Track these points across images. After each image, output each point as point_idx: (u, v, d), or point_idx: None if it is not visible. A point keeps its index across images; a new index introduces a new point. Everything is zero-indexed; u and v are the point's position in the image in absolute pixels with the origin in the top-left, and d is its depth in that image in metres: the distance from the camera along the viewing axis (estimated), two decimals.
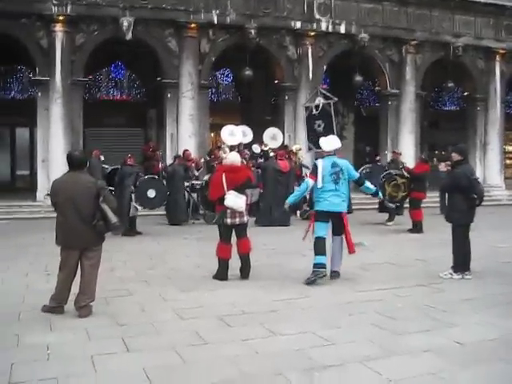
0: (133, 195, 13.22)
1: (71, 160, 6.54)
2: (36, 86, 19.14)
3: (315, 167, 8.55)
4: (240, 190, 8.45)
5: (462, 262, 8.59)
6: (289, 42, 20.95)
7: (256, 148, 18.85)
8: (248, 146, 19.26)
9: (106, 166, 15.05)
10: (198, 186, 16.03)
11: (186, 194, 15.75)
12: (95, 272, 6.71)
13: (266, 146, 19.08)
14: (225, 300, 7.25)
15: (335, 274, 8.59)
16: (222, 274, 8.53)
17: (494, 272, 9.02)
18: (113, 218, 6.35)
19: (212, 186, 8.78)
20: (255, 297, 7.45)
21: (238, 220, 8.43)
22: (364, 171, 15.44)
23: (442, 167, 11.14)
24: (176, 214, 15.41)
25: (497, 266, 9.57)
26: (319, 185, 8.36)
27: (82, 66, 18.91)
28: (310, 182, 8.57)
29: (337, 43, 21.72)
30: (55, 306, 6.60)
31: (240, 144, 18.76)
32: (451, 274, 8.55)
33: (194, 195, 15.95)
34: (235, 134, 18.39)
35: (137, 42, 19.33)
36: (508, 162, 28.19)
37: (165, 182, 14.61)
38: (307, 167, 18.14)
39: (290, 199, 9.09)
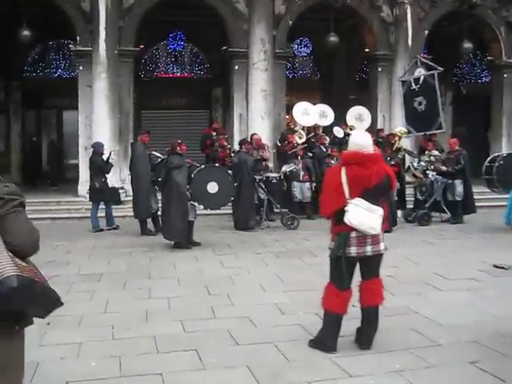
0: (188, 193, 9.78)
1: None
2: (77, 58, 15.93)
3: None
4: (373, 197, 4.80)
5: None
6: (383, 1, 16.99)
7: (338, 131, 15.12)
8: (328, 129, 15.60)
9: (158, 155, 11.66)
10: (274, 180, 12.46)
11: (260, 189, 12.16)
12: None
13: (351, 128, 15.32)
14: None
15: None
16: (329, 340, 4.91)
17: None
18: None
19: (324, 192, 5.07)
20: None
21: (369, 249, 4.81)
22: (497, 163, 11.50)
23: None
24: (244, 215, 11.85)
25: None
26: None
27: (132, 33, 15.62)
28: None
29: (441, 3, 17.60)
30: None
31: (318, 127, 15.18)
32: None
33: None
34: (309, 112, 15.19)
35: (197, 4, 15.90)
36: None
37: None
38: (414, 155, 14.43)
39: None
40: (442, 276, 7.78)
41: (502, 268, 8.31)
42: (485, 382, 4.41)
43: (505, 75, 18.50)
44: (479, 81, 23.30)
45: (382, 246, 4.85)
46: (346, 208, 4.65)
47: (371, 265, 4.91)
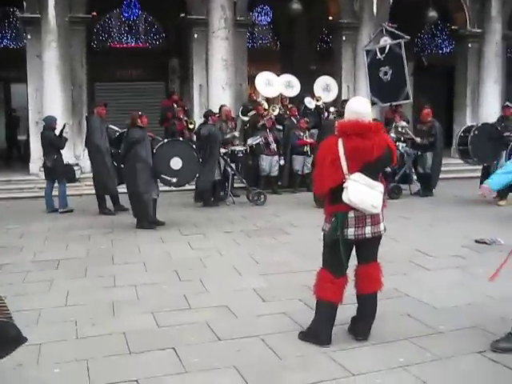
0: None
1: None
2: (25, 26, 14.84)
3: None
4: (374, 171, 4.27)
5: None
6: None
7: (310, 102, 14.61)
8: (295, 100, 15.08)
9: (115, 128, 10.90)
10: (240, 154, 11.84)
11: (223, 162, 11.52)
12: None
13: (318, 99, 14.85)
14: None
15: None
16: (322, 332, 4.39)
17: None
18: None
19: (318, 167, 4.40)
20: None
21: (369, 230, 4.27)
22: (472, 133, 11.12)
23: None
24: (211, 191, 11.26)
25: None
26: None
27: None
28: None
29: None
30: None
31: (284, 98, 14.66)
32: None
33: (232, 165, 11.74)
34: (273, 83, 14.72)
35: None
36: None
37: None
38: None
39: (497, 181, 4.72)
40: (425, 253, 7.38)
41: (485, 243, 7.95)
42: (499, 375, 3.98)
43: (469, 45, 18.10)
44: (440, 51, 23.08)
45: (382, 226, 4.34)
46: (344, 185, 4.09)
47: (370, 248, 4.39)
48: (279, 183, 13.20)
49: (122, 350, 4.33)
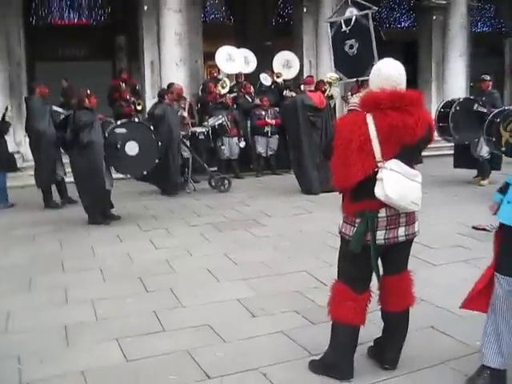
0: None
1: None
2: None
3: None
4: (411, 157, 3.28)
5: None
6: None
7: (265, 78, 13.59)
8: (251, 76, 14.02)
9: (60, 110, 9.63)
10: (201, 136, 10.70)
11: (184, 147, 10.41)
12: None
13: (278, 76, 13.86)
14: None
15: None
16: (342, 363, 3.40)
17: None
18: None
19: (339, 153, 3.22)
20: None
21: (402, 232, 3.29)
22: (453, 109, 10.28)
23: None
24: (169, 178, 10.11)
25: None
26: None
27: None
28: None
29: None
30: None
31: (240, 74, 13.62)
32: None
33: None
34: (234, 58, 13.72)
35: None
36: None
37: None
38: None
39: None
40: (424, 245, 6.45)
41: (484, 230, 7.13)
42: None
43: (434, 17, 17.35)
44: (399, 26, 22.41)
45: (416, 226, 3.37)
46: (378, 175, 3.08)
47: (401, 254, 3.42)
48: (251, 166, 12.26)
49: None
